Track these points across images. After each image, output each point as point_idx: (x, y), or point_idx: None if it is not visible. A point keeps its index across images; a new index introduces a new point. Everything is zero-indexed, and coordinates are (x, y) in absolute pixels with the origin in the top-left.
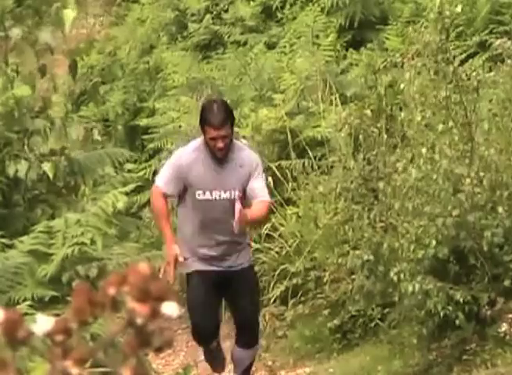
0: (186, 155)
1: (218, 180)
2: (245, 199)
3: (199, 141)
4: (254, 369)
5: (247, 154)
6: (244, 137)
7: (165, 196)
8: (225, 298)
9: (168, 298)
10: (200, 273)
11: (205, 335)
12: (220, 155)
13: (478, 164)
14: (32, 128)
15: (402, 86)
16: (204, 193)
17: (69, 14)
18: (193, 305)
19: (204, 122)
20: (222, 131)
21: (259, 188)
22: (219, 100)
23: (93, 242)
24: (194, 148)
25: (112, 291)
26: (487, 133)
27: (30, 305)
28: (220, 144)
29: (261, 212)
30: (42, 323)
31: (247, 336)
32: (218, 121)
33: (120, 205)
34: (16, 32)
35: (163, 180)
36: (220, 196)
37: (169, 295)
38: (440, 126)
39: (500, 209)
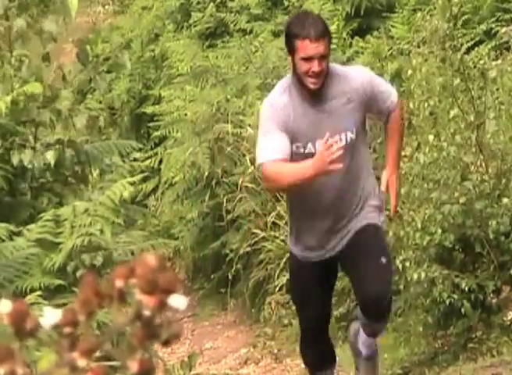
0: (276, 99)
1: (319, 127)
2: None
3: (285, 80)
4: (259, 357)
5: (352, 77)
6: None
7: (283, 160)
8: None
9: (175, 289)
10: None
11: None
12: (314, 87)
13: (484, 152)
14: (39, 119)
15: (409, 72)
16: (305, 146)
17: (74, 2)
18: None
19: (295, 36)
20: (321, 47)
21: (382, 100)
22: (312, 12)
23: (101, 232)
24: (283, 89)
25: (119, 283)
26: (494, 122)
27: (40, 295)
28: (316, 68)
29: (400, 133)
30: (49, 315)
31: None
32: (316, 31)
33: (126, 195)
34: (20, 22)
35: (269, 150)
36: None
37: (177, 287)
38: (452, 113)
39: (506, 200)
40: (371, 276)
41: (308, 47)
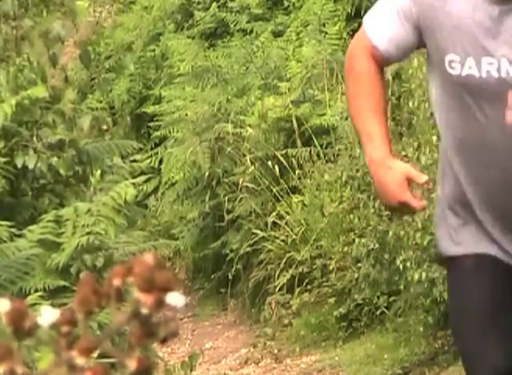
0: None
1: (496, 39)
2: None
3: None
4: (259, 357)
5: None
6: (250, 126)
7: (377, 57)
8: None
9: (173, 288)
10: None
11: None
12: None
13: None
14: (42, 120)
15: (409, 72)
16: (464, 61)
17: (82, 5)
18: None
19: None
20: None
21: None
22: None
23: (105, 232)
24: None
25: (116, 281)
26: None
27: (41, 296)
28: None
29: None
30: (47, 315)
31: None
32: None
33: (129, 198)
34: (27, 23)
35: (377, 22)
36: (500, 71)
37: (175, 285)
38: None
39: None
40: None
41: None
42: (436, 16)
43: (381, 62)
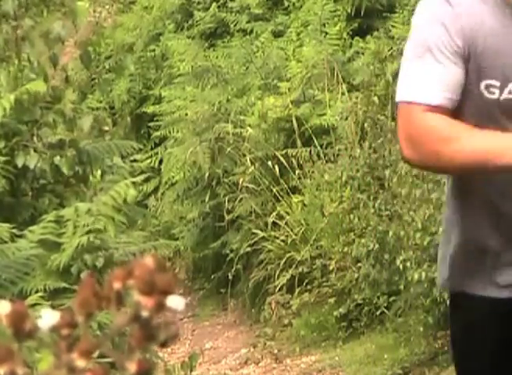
0: None
1: None
2: None
3: None
4: (259, 357)
5: None
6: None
7: (442, 112)
8: None
9: (173, 291)
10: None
11: None
12: None
13: None
14: (42, 120)
15: None
16: (503, 87)
17: (82, 5)
18: None
19: None
20: None
21: None
22: None
23: (105, 231)
24: None
25: (117, 284)
26: None
27: (41, 296)
28: None
29: None
30: (47, 317)
31: None
32: None
33: (129, 198)
34: (28, 23)
35: (424, 83)
36: None
37: (175, 288)
38: None
39: None
40: None
41: None
42: (477, 42)
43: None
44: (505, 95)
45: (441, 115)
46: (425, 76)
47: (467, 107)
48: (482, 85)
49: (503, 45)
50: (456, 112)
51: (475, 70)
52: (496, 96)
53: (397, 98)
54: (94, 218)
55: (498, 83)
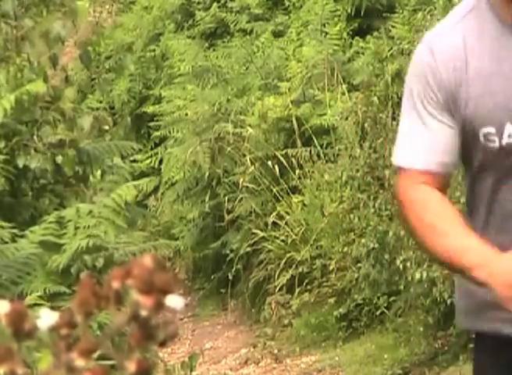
0: (444, 32)
1: None
2: None
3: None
4: (259, 357)
5: None
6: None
7: (435, 180)
8: None
9: (172, 290)
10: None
11: None
12: None
13: None
14: (42, 119)
15: None
16: (501, 132)
17: (82, 5)
18: None
19: None
20: None
21: None
22: None
23: (105, 233)
24: (465, 10)
25: (115, 284)
26: None
27: (40, 296)
28: None
29: None
30: (46, 317)
31: None
32: None
33: (130, 198)
34: (28, 23)
35: (410, 146)
36: None
37: (174, 287)
38: None
39: None
40: None
41: None
42: (459, 93)
43: (441, 182)
44: (505, 140)
45: (425, 186)
46: (411, 140)
47: (480, 160)
48: (481, 135)
49: (490, 86)
50: (470, 165)
51: (468, 121)
52: (496, 144)
53: (395, 162)
54: (96, 221)
55: (494, 130)
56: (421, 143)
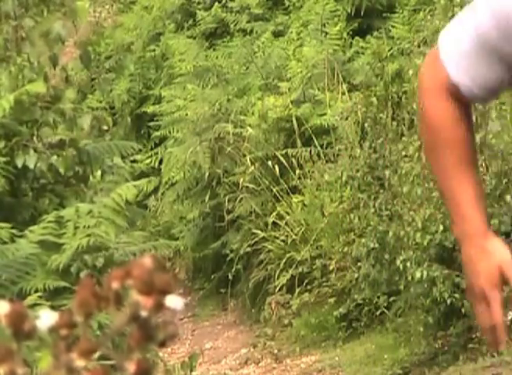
0: None
1: None
2: None
3: None
4: (259, 357)
5: None
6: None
7: (458, 96)
8: None
9: (172, 290)
10: None
11: None
12: None
13: (485, 152)
14: (42, 119)
15: (410, 72)
16: None
17: (82, 5)
18: None
19: None
20: None
21: None
22: None
23: (106, 233)
24: None
25: (115, 284)
26: (498, 122)
27: (40, 296)
28: None
29: None
30: (46, 318)
31: None
32: None
33: (130, 197)
34: (28, 23)
35: (457, 51)
36: None
37: (174, 288)
38: None
39: (508, 198)
40: None
41: None
42: None
43: (462, 100)
44: None
45: (451, 96)
46: (465, 51)
47: None
48: None
49: None
50: None
51: None
52: None
53: (439, 41)
54: (96, 220)
55: None
56: (472, 64)
